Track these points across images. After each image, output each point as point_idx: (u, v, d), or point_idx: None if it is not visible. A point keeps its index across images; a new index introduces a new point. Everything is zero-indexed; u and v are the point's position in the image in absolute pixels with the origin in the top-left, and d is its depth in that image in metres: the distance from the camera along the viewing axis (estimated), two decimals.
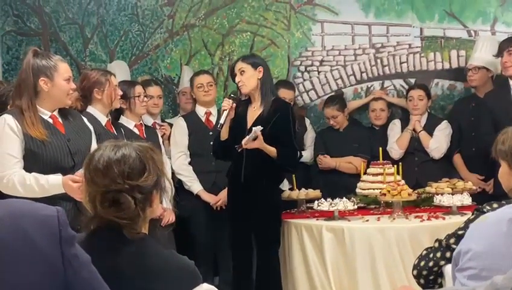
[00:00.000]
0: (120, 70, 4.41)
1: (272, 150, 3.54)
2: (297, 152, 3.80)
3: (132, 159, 1.64)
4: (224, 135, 3.63)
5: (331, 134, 4.67)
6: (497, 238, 1.38)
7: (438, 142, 4.47)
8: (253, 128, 3.46)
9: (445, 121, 4.55)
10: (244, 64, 3.61)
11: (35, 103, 2.83)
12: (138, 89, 3.88)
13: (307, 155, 4.62)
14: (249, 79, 3.59)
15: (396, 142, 4.51)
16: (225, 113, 3.54)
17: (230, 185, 3.78)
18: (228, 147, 3.60)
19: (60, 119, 2.94)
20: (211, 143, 4.12)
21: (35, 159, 2.80)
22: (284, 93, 4.46)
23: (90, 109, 3.45)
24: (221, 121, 3.54)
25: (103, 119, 3.46)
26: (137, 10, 5.10)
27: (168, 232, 3.75)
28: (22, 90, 2.83)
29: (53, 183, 2.74)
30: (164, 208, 3.51)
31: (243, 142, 3.46)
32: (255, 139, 3.45)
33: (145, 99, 3.91)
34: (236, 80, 3.61)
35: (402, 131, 4.56)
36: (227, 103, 3.55)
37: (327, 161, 4.54)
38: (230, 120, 3.60)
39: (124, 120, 3.83)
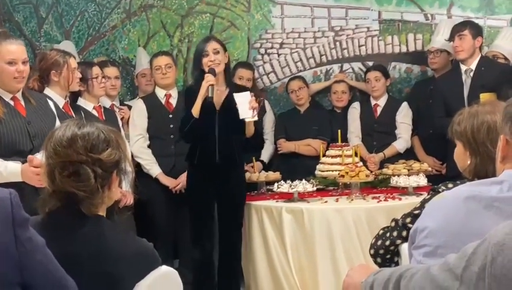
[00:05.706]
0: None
1: (252, 125, 3.63)
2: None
3: (96, 135, 1.65)
4: (196, 114, 3.59)
5: (292, 117, 4.68)
6: (453, 216, 1.40)
7: (403, 138, 4.48)
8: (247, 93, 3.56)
9: (405, 103, 4.59)
10: (218, 45, 3.67)
11: None
12: (95, 70, 3.80)
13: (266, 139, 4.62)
14: (223, 60, 3.64)
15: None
16: (211, 88, 3.52)
17: (197, 167, 3.73)
18: (198, 127, 3.58)
19: (22, 102, 2.88)
20: (171, 126, 4.09)
21: None
22: (243, 73, 4.53)
23: (47, 91, 3.36)
24: (210, 94, 3.52)
25: (61, 102, 3.37)
26: None
27: (127, 215, 3.72)
28: None
29: (11, 171, 2.67)
30: (123, 192, 3.47)
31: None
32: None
33: (103, 80, 3.84)
34: (211, 58, 3.60)
35: (361, 113, 4.59)
36: (211, 78, 3.54)
37: (286, 145, 4.56)
38: (203, 99, 3.56)
39: (82, 102, 3.75)
